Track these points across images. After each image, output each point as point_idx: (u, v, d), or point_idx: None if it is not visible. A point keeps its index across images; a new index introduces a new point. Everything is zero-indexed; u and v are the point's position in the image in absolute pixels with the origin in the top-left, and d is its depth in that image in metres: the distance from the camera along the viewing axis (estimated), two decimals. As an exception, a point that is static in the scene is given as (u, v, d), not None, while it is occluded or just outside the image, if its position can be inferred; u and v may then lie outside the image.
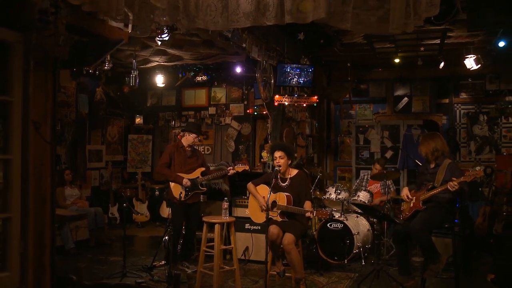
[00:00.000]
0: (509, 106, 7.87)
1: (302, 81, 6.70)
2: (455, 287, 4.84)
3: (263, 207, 4.87)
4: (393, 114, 9.49)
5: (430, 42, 7.10)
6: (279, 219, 4.86)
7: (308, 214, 4.72)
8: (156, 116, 10.09)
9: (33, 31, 2.40)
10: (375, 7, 2.65)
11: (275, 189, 4.88)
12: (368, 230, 6.40)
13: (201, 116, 9.80)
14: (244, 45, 5.30)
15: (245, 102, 9.54)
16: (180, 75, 9.57)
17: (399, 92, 9.50)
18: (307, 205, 4.91)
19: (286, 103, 6.79)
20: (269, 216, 4.64)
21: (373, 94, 9.76)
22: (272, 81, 6.70)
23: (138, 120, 9.88)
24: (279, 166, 4.92)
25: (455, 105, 9.04)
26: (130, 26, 3.15)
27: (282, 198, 4.87)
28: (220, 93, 9.73)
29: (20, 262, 2.37)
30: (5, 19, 2.35)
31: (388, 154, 8.84)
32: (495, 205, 7.40)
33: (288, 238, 4.66)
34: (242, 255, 6.17)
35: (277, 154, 4.94)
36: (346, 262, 6.03)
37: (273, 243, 4.75)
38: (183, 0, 2.62)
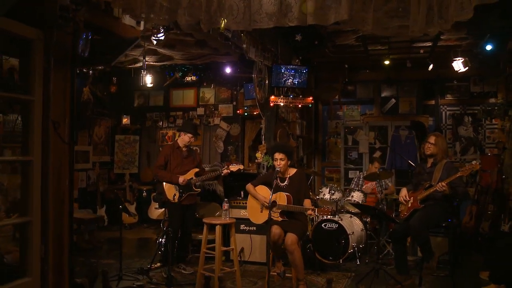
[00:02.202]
0: (495, 108, 8.10)
1: (296, 82, 6.73)
2: (452, 285, 4.96)
3: (266, 204, 4.85)
4: (380, 115, 9.62)
5: (422, 45, 7.23)
6: (279, 219, 4.85)
7: (309, 212, 4.72)
8: (143, 116, 9.95)
9: (54, 28, 2.33)
10: (395, 10, 2.68)
11: (275, 189, 4.86)
12: (362, 230, 6.46)
13: (190, 116, 9.71)
14: (244, 45, 5.29)
15: (234, 103, 9.51)
16: (168, 75, 9.47)
17: (386, 94, 9.64)
18: (307, 203, 4.92)
19: (282, 104, 6.81)
20: (270, 217, 4.62)
21: (360, 95, 9.87)
22: (267, 81, 6.70)
23: (125, 120, 9.73)
24: (280, 167, 4.91)
25: (441, 106, 9.22)
26: (142, 24, 3.10)
27: (282, 197, 4.86)
28: (208, 94, 9.67)
29: (41, 267, 2.30)
30: (25, 15, 2.27)
31: (377, 155, 8.95)
32: (480, 204, 7.59)
33: (292, 238, 4.66)
34: (238, 256, 6.14)
35: (278, 156, 4.92)
36: (341, 262, 6.06)
37: (275, 244, 4.74)
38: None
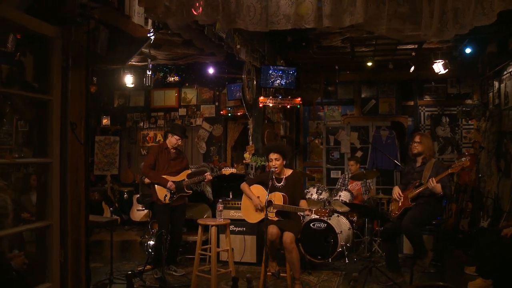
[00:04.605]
0: (474, 108, 8.39)
1: (284, 83, 6.77)
2: (442, 281, 5.10)
3: (258, 206, 4.87)
4: (360, 115, 9.79)
5: (406, 47, 7.40)
6: (275, 218, 4.86)
7: (307, 213, 4.75)
8: (123, 117, 9.79)
9: (72, 26, 2.27)
10: (407, 14, 2.75)
11: (270, 189, 4.86)
12: (349, 228, 6.55)
13: (171, 117, 9.63)
14: (237, 46, 5.28)
15: (217, 103, 9.50)
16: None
17: (366, 94, 9.82)
18: (303, 203, 4.96)
19: (271, 105, 6.84)
20: (267, 216, 4.62)
21: (341, 96, 10.01)
22: (255, 82, 6.72)
23: (105, 121, 9.55)
24: (275, 167, 4.92)
25: (420, 107, 9.47)
26: (150, 23, 3.05)
27: (278, 197, 4.88)
28: (190, 94, 9.62)
29: (60, 272, 2.23)
30: (43, 13, 2.20)
31: (358, 154, 9.10)
32: (459, 202, 7.84)
33: (290, 237, 4.69)
34: (227, 257, 6.11)
35: (273, 156, 4.94)
36: (330, 260, 6.13)
37: (272, 243, 4.76)
38: (222, 0, 2.59)
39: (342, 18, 2.69)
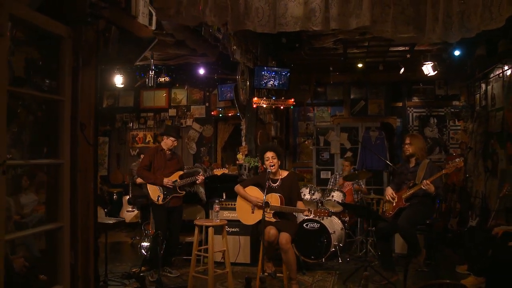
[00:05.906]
0: (463, 110, 8.54)
1: (277, 84, 6.81)
2: (436, 278, 5.17)
3: (259, 203, 4.87)
4: (350, 116, 9.88)
5: (397, 49, 7.49)
6: (273, 219, 4.88)
7: (305, 213, 4.77)
8: (112, 117, 9.70)
9: (82, 25, 2.25)
10: (411, 17, 2.80)
11: (267, 190, 4.87)
12: (342, 229, 6.61)
13: (161, 118, 9.57)
14: (234, 47, 5.28)
15: (207, 104, 9.48)
16: (139, 76, 9.27)
17: (355, 95, 9.91)
18: (300, 205, 4.98)
19: (264, 106, 6.85)
20: (264, 217, 4.63)
21: (330, 97, 10.08)
22: (248, 83, 6.73)
23: (94, 121, 9.42)
24: (273, 166, 4.94)
25: (408, 108, 9.61)
26: (154, 23, 3.04)
27: (275, 198, 4.89)
28: (180, 95, 9.58)
29: (71, 273, 2.21)
30: (54, 12, 2.18)
31: (348, 155, 9.17)
32: (448, 202, 7.97)
33: (286, 237, 4.71)
34: (221, 258, 6.11)
35: (270, 154, 4.96)
36: (323, 260, 6.17)
37: (270, 244, 4.77)
38: (231, 1, 2.60)
39: (348, 21, 2.73)
